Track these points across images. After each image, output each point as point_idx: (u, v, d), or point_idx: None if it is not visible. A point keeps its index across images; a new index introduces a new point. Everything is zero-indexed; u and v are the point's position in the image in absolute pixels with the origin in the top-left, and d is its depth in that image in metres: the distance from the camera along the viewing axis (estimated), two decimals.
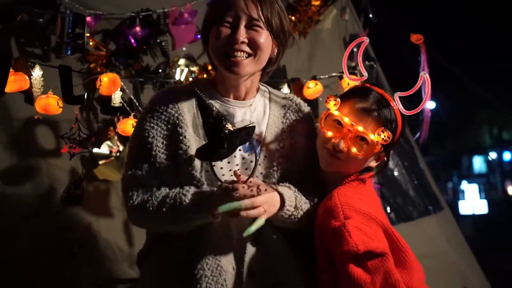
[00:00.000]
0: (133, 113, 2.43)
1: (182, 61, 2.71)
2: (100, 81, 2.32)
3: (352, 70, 2.82)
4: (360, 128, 1.60)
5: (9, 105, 2.37)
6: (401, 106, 1.65)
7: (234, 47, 1.56)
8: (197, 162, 1.58)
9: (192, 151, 1.58)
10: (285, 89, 2.80)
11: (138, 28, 2.64)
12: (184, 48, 2.79)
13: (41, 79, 2.23)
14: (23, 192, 2.37)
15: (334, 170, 1.68)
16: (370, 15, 3.62)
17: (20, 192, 2.36)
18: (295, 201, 1.60)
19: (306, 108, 1.79)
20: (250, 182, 1.48)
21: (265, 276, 1.60)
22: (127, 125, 2.35)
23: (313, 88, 2.85)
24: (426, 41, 3.06)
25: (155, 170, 1.61)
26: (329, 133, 1.64)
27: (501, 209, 14.76)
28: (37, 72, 2.23)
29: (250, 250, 1.60)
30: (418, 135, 3.33)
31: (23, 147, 2.40)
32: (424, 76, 1.65)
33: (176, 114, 1.62)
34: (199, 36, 2.66)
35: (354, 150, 1.61)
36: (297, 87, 2.86)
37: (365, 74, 1.75)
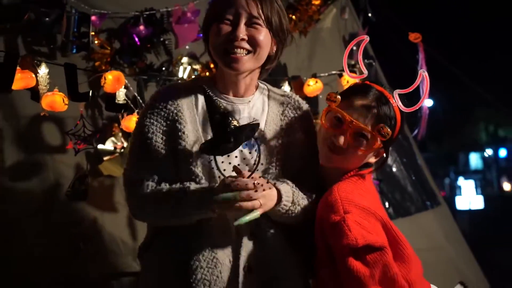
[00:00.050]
0: (137, 110, 2.43)
1: (185, 59, 2.71)
2: (105, 78, 2.32)
3: (352, 68, 2.82)
4: (360, 125, 1.60)
5: (16, 102, 2.37)
6: (400, 103, 1.65)
7: (234, 44, 1.56)
8: (196, 158, 1.59)
9: (191, 147, 1.59)
10: (286, 87, 2.79)
11: (142, 27, 2.63)
12: (187, 47, 2.78)
13: (47, 76, 2.23)
14: (29, 187, 2.36)
15: (334, 166, 1.68)
16: (369, 14, 3.62)
17: (27, 187, 2.36)
18: (292, 196, 1.60)
19: (304, 105, 1.79)
20: (252, 177, 1.48)
21: (262, 270, 1.60)
22: (131, 122, 2.35)
23: (313, 86, 2.85)
24: (424, 40, 3.05)
25: (155, 165, 1.61)
26: (330, 129, 1.65)
27: (496, 204, 14.77)
28: (43, 70, 2.23)
29: (247, 244, 1.60)
30: (416, 132, 3.33)
31: (29, 143, 2.40)
32: (423, 74, 1.66)
33: (175, 111, 1.62)
34: (201, 34, 2.66)
35: (354, 146, 1.61)
36: (298, 84, 2.85)
37: (365, 71, 1.74)
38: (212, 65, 2.65)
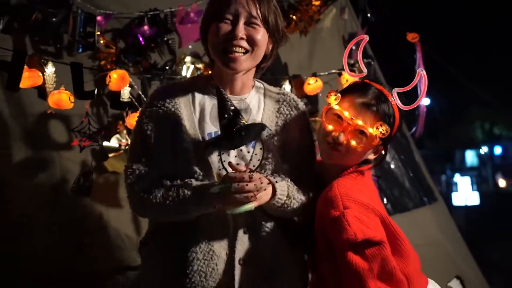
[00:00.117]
0: (141, 108, 2.43)
1: (188, 59, 2.71)
2: (110, 77, 2.33)
3: (351, 67, 2.81)
4: (360, 122, 1.59)
5: (23, 100, 2.37)
6: (399, 102, 1.64)
7: (233, 43, 1.56)
8: (193, 154, 1.59)
9: (188, 144, 1.59)
10: (287, 85, 2.79)
11: (146, 27, 2.64)
12: (190, 46, 2.78)
13: (54, 75, 2.25)
14: (36, 183, 2.37)
15: (334, 162, 1.68)
16: (368, 15, 3.62)
17: (34, 182, 2.36)
18: (288, 190, 1.60)
19: (299, 103, 1.79)
20: (248, 172, 1.48)
21: (257, 264, 1.60)
22: (135, 120, 2.35)
23: (313, 85, 2.84)
24: (422, 40, 3.04)
25: (154, 161, 1.62)
26: (330, 127, 1.64)
27: (492, 200, 14.75)
28: (50, 69, 2.24)
29: (242, 237, 1.60)
30: (414, 129, 3.32)
31: (36, 140, 2.40)
32: (421, 73, 1.65)
33: (173, 109, 1.62)
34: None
35: (353, 143, 1.61)
36: (298, 83, 2.85)
37: (365, 70, 1.74)
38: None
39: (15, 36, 2.37)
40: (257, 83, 1.77)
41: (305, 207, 1.66)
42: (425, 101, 3.54)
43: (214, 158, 1.59)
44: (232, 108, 1.49)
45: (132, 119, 2.38)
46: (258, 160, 1.55)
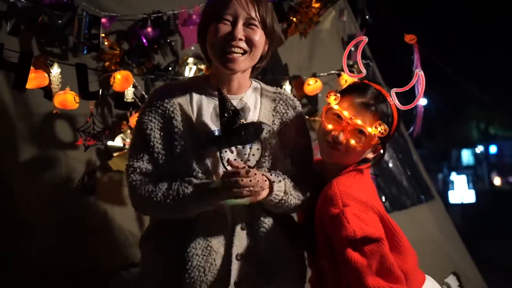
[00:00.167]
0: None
1: (190, 60, 2.70)
2: (114, 78, 2.33)
3: (350, 68, 2.81)
4: (359, 122, 1.59)
5: (29, 100, 2.37)
6: (397, 102, 1.64)
7: (231, 44, 1.56)
8: (191, 153, 1.59)
9: (186, 142, 1.60)
10: (287, 86, 2.79)
11: (149, 29, 2.63)
12: (192, 48, 2.77)
13: (59, 76, 2.26)
14: (42, 181, 2.37)
15: (333, 161, 1.68)
16: (367, 17, 3.62)
17: (40, 181, 2.36)
18: (285, 187, 1.60)
19: (296, 102, 1.79)
20: (251, 172, 1.49)
21: (254, 260, 1.61)
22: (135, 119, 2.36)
23: (313, 85, 2.84)
24: (419, 41, 3.04)
25: (154, 160, 1.63)
26: (330, 126, 1.64)
27: (487, 198, 14.74)
28: (55, 70, 2.25)
29: (240, 233, 1.61)
30: (412, 129, 3.31)
31: (43, 140, 2.39)
32: (419, 74, 1.65)
33: (171, 108, 1.63)
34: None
35: (352, 142, 1.61)
36: (298, 83, 2.85)
37: (364, 71, 1.74)
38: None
39: (22, 38, 2.37)
40: (254, 83, 1.77)
41: (303, 203, 1.67)
42: (422, 101, 3.53)
43: (212, 156, 1.60)
44: (232, 108, 1.51)
45: (135, 119, 2.38)
46: (256, 157, 1.56)
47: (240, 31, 1.56)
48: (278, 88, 1.81)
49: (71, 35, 2.45)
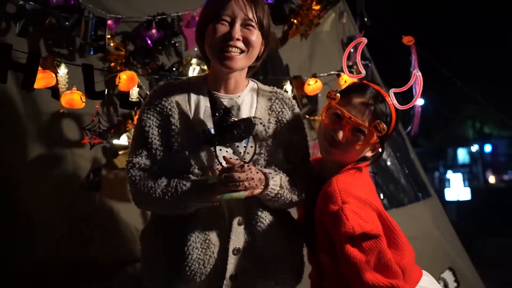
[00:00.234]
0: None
1: (194, 61, 2.70)
2: (119, 78, 2.33)
3: (350, 69, 2.80)
4: (358, 121, 1.59)
5: (37, 100, 2.37)
6: (395, 102, 1.64)
7: (229, 43, 1.57)
8: (188, 149, 1.60)
9: (183, 139, 1.61)
10: (288, 86, 2.78)
11: (154, 30, 2.63)
12: (196, 49, 2.76)
13: (66, 76, 2.27)
14: (49, 178, 2.37)
15: (333, 159, 1.67)
16: (365, 19, 3.61)
17: (47, 178, 2.36)
18: (280, 181, 1.61)
19: (291, 100, 1.79)
20: (245, 166, 1.50)
21: (250, 254, 1.62)
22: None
23: (313, 85, 2.84)
24: (417, 42, 3.03)
25: (152, 156, 1.64)
26: (329, 125, 1.64)
27: (482, 196, 14.76)
28: (62, 70, 2.26)
29: (237, 228, 1.62)
30: (410, 128, 3.31)
31: (50, 138, 2.40)
32: (417, 74, 1.64)
33: (169, 106, 1.64)
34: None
35: (352, 140, 1.60)
36: (299, 83, 2.85)
37: (363, 71, 1.73)
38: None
39: (30, 39, 2.37)
40: (251, 82, 1.77)
41: (299, 199, 1.67)
42: (419, 102, 3.52)
43: (208, 151, 1.60)
44: (223, 107, 1.52)
45: None
46: (250, 154, 1.57)
47: (237, 31, 1.57)
48: (275, 88, 1.81)
49: (78, 37, 2.45)
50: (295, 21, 3.11)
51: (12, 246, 2.26)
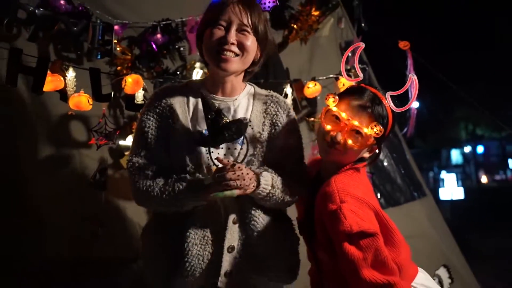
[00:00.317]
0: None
1: (197, 64, 2.70)
2: (125, 81, 2.33)
3: (348, 72, 2.79)
4: (356, 123, 1.58)
5: (46, 102, 2.37)
6: (392, 104, 1.63)
7: (224, 47, 1.58)
8: (185, 149, 1.61)
9: (181, 139, 1.62)
10: (288, 89, 2.77)
11: (159, 35, 2.63)
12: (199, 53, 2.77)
13: (74, 79, 2.26)
14: (58, 177, 2.37)
15: (332, 160, 1.66)
16: (363, 24, 3.60)
17: (56, 177, 2.37)
18: (272, 181, 1.61)
19: (286, 103, 1.79)
20: (233, 164, 1.52)
21: (244, 253, 1.63)
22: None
23: (312, 88, 2.83)
24: (412, 47, 3.02)
25: (152, 156, 1.66)
26: (328, 127, 1.63)
27: (475, 195, 14.76)
28: (70, 74, 2.26)
29: (231, 227, 1.63)
30: (405, 130, 3.29)
31: (58, 139, 2.40)
32: (413, 78, 1.64)
33: (168, 108, 1.66)
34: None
35: (350, 142, 1.60)
36: (299, 86, 2.84)
37: (361, 75, 1.72)
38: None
39: (40, 44, 2.38)
40: (248, 86, 1.78)
41: (291, 198, 1.68)
42: (415, 104, 3.51)
43: (203, 151, 1.61)
44: (215, 109, 1.53)
45: None
46: (242, 155, 1.60)
47: (232, 36, 1.58)
48: (271, 91, 1.81)
49: (85, 41, 2.46)
50: (295, 26, 3.12)
51: (21, 245, 2.26)
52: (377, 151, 1.69)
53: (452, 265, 3.33)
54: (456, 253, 3.64)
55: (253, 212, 1.65)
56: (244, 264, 1.63)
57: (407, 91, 1.65)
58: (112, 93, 2.31)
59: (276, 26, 3.12)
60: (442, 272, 3.25)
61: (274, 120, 1.72)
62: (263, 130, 1.69)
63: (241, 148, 1.61)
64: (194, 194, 1.56)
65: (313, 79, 2.87)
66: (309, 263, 1.80)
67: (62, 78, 2.21)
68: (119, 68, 2.55)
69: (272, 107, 1.73)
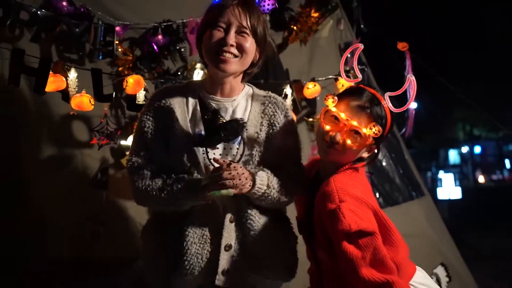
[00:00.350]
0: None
1: (198, 65, 2.69)
2: (127, 82, 2.33)
3: (347, 73, 2.79)
4: (355, 123, 1.58)
5: (49, 102, 2.36)
6: (390, 105, 1.63)
7: (224, 49, 1.59)
8: (184, 149, 1.61)
9: (181, 139, 1.62)
10: (288, 89, 2.77)
11: (160, 37, 2.63)
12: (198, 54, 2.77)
13: (76, 80, 2.26)
14: (60, 177, 2.36)
15: (331, 160, 1.66)
16: (362, 26, 3.60)
17: (59, 177, 2.36)
18: (267, 181, 1.61)
19: (285, 105, 1.79)
20: (230, 163, 1.53)
21: (240, 251, 1.63)
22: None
23: (312, 89, 2.82)
24: (411, 48, 3.02)
25: (151, 156, 1.66)
26: (327, 127, 1.63)
27: (472, 195, 14.77)
28: (72, 74, 2.26)
29: (228, 225, 1.63)
30: (404, 130, 3.28)
31: (61, 139, 2.39)
32: (411, 79, 1.64)
33: (168, 108, 1.66)
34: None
35: (348, 142, 1.60)
36: (298, 87, 2.83)
37: (360, 76, 1.72)
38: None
39: (42, 45, 2.37)
40: (247, 87, 1.78)
41: (287, 198, 1.69)
42: (413, 105, 3.50)
43: (201, 151, 1.61)
44: (211, 110, 1.54)
45: None
46: (238, 154, 1.60)
47: (232, 38, 1.59)
48: (269, 92, 1.81)
49: (87, 42, 2.45)
50: (295, 27, 3.11)
51: (23, 244, 2.26)
52: (375, 151, 1.69)
53: (450, 264, 3.33)
54: (454, 252, 3.64)
55: (249, 211, 1.65)
56: (241, 262, 1.63)
57: (405, 92, 1.65)
58: (114, 93, 2.31)
59: (276, 28, 3.12)
60: (440, 270, 3.25)
61: (272, 121, 1.71)
62: (260, 130, 1.69)
63: (238, 148, 1.62)
64: (193, 193, 1.56)
65: (313, 80, 2.86)
66: (308, 262, 1.79)
67: (64, 79, 2.21)
68: (120, 68, 2.54)
69: (270, 107, 1.73)
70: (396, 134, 3.59)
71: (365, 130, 1.57)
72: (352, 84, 1.78)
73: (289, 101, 2.74)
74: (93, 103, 2.23)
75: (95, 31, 2.41)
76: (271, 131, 1.71)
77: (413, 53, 3.05)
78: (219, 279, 1.61)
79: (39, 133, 2.36)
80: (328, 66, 3.16)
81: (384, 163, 3.39)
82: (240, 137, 1.60)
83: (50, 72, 2.13)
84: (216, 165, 1.54)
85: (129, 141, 2.47)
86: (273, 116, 1.72)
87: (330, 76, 2.94)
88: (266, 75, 2.84)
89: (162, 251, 1.64)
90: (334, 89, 2.91)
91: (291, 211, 1.84)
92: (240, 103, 1.72)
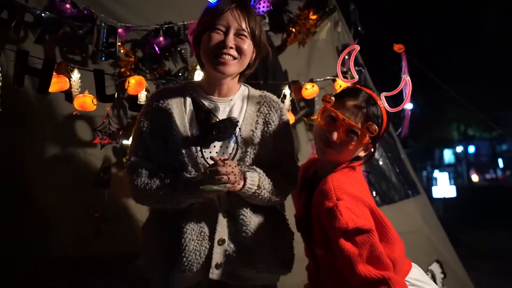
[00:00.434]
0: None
1: (199, 66, 2.69)
2: (129, 82, 2.33)
3: (344, 74, 2.78)
4: (351, 122, 1.57)
5: (52, 103, 2.36)
6: (386, 105, 1.62)
7: (223, 51, 1.58)
8: (182, 148, 1.61)
9: (179, 139, 1.62)
10: (287, 90, 2.77)
11: (161, 38, 2.63)
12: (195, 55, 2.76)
13: (79, 81, 2.27)
14: (63, 175, 2.36)
15: (328, 159, 1.66)
16: (359, 28, 3.60)
17: (62, 176, 2.35)
18: (259, 182, 1.61)
19: (280, 104, 1.78)
20: (225, 161, 1.53)
21: (233, 245, 1.63)
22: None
23: (310, 89, 2.82)
24: (407, 48, 3.01)
25: (149, 155, 1.66)
26: (325, 126, 1.63)
27: (466, 193, 14.76)
28: (75, 75, 2.26)
29: (222, 220, 1.64)
30: (400, 130, 3.28)
31: (64, 138, 2.39)
32: (406, 79, 1.63)
33: (165, 109, 1.65)
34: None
35: (345, 141, 1.59)
36: (297, 88, 2.83)
37: (356, 77, 1.72)
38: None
39: (46, 46, 2.37)
40: (243, 87, 1.78)
41: (279, 198, 1.69)
42: (409, 105, 3.49)
43: (198, 150, 1.61)
44: (205, 109, 1.54)
45: None
46: (233, 153, 1.61)
47: (231, 40, 1.58)
48: (265, 92, 1.81)
49: (90, 44, 2.45)
50: (293, 29, 3.11)
51: (27, 244, 2.25)
52: (372, 150, 1.69)
53: (445, 260, 3.32)
54: (449, 249, 3.63)
55: (242, 207, 1.65)
56: (233, 256, 1.63)
57: (401, 92, 1.64)
58: (116, 94, 2.32)
59: (275, 30, 3.12)
60: (435, 267, 3.24)
61: (266, 119, 1.71)
62: (256, 129, 1.68)
63: (233, 148, 1.62)
64: (190, 191, 1.56)
65: (311, 81, 2.86)
66: (306, 259, 1.79)
67: (67, 79, 2.22)
68: (122, 69, 2.54)
69: (265, 106, 1.73)
70: (393, 134, 3.59)
71: (361, 130, 1.57)
72: (349, 84, 1.78)
73: (287, 101, 2.73)
74: (95, 103, 2.23)
75: (98, 33, 2.41)
76: (266, 129, 1.70)
77: (410, 54, 3.04)
78: (213, 273, 1.61)
79: (43, 132, 2.35)
80: (326, 67, 3.16)
81: (380, 162, 3.38)
82: (234, 136, 1.59)
83: (54, 73, 2.14)
84: (212, 162, 1.54)
85: (130, 141, 2.47)
86: (268, 114, 1.72)
87: (328, 77, 2.94)
88: (266, 76, 2.84)
89: (161, 248, 1.64)
90: (332, 90, 2.91)
91: (289, 209, 1.83)
92: (236, 103, 1.72)
